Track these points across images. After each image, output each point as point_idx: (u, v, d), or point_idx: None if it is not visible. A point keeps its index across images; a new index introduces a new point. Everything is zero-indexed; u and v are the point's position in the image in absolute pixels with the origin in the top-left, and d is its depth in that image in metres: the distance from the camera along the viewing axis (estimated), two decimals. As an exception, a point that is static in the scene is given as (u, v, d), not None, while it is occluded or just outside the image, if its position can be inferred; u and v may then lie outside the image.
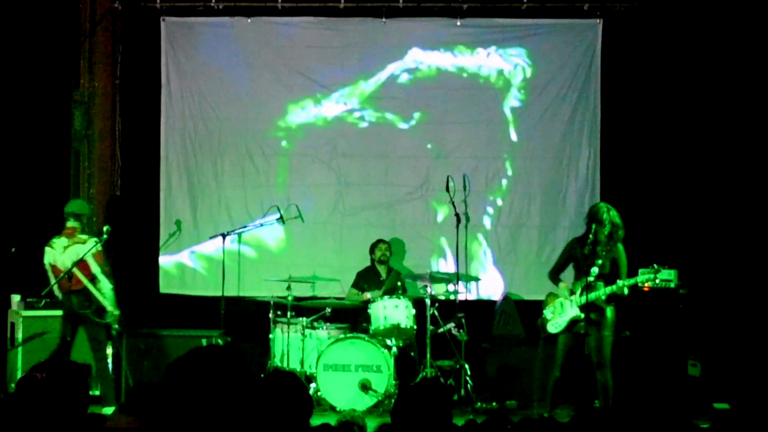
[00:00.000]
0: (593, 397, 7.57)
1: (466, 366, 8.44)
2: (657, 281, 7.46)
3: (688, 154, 9.46)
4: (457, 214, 8.70)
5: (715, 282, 9.11)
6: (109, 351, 8.93)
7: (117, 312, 8.10)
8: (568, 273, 7.91)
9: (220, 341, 8.77)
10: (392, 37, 9.86)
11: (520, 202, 9.85)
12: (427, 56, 9.87)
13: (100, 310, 8.08)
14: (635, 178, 9.57)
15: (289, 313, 8.63)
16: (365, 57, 9.92)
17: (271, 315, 8.71)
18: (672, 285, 8.72)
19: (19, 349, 8.46)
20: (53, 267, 8.07)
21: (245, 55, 9.99)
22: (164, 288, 9.96)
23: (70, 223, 8.14)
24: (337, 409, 8.11)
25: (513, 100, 9.85)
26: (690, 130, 9.45)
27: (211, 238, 9.62)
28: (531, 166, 9.85)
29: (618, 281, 7.44)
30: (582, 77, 9.74)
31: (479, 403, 8.42)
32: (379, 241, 9.38)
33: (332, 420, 5.17)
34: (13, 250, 8.33)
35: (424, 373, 8.41)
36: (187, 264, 9.98)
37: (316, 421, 3.43)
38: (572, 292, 7.64)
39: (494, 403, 8.62)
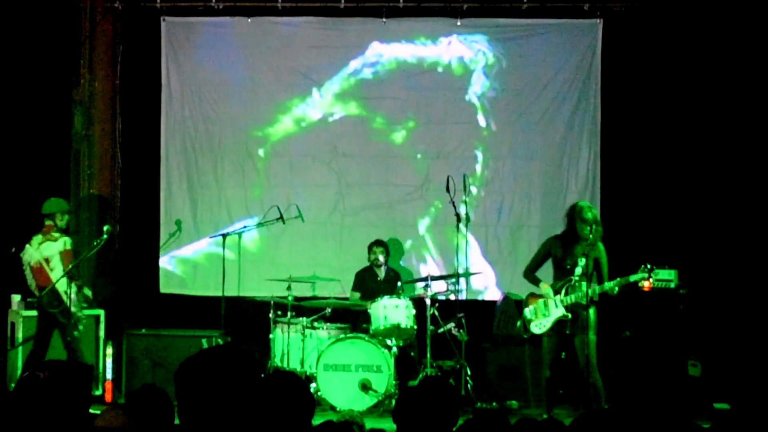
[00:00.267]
0: (588, 398, 7.53)
1: (466, 366, 8.43)
2: (652, 280, 7.45)
3: (688, 154, 9.46)
4: (457, 214, 8.69)
5: (715, 282, 9.10)
6: (110, 351, 8.95)
7: (79, 314, 8.10)
8: (542, 272, 7.88)
9: (220, 341, 8.78)
10: (392, 37, 9.86)
11: (520, 202, 9.84)
12: (426, 55, 9.87)
13: (67, 310, 8.10)
14: (635, 178, 9.57)
15: (289, 313, 8.63)
16: (365, 56, 9.91)
17: (271, 315, 8.71)
18: (672, 285, 8.74)
19: (19, 349, 8.46)
20: (29, 265, 8.22)
21: (245, 55, 9.99)
22: (164, 288, 9.96)
23: (47, 222, 8.28)
24: (337, 409, 8.11)
25: (513, 99, 9.84)
26: (690, 130, 9.45)
27: (211, 237, 9.62)
28: (531, 166, 9.85)
29: (618, 279, 7.39)
30: (582, 77, 9.73)
31: (479, 403, 8.42)
32: (375, 243, 9.33)
33: (332, 420, 5.17)
34: (14, 250, 8.35)
35: (424, 373, 8.40)
36: (187, 264, 9.98)
37: (316, 420, 3.44)
38: (557, 292, 7.60)
39: (494, 403, 8.62)
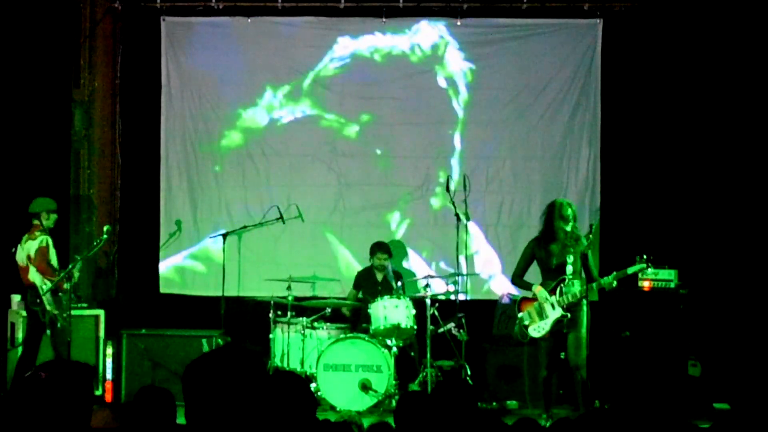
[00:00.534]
0: (576, 393, 7.51)
1: (467, 366, 8.43)
2: (650, 271, 7.38)
3: (688, 153, 9.46)
4: (457, 214, 8.69)
5: (715, 282, 9.11)
6: (110, 351, 8.95)
7: (54, 312, 8.11)
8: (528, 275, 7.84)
9: (220, 341, 8.78)
10: (391, 37, 9.86)
11: (520, 202, 9.84)
12: (427, 56, 9.87)
13: (44, 308, 8.18)
14: (635, 178, 9.58)
15: (289, 313, 8.64)
16: (365, 56, 9.92)
17: (271, 315, 8.71)
18: (672, 285, 8.74)
19: (19, 349, 8.46)
20: (18, 265, 8.36)
21: (245, 55, 9.99)
22: (164, 288, 9.96)
23: (33, 221, 8.39)
24: (337, 409, 8.11)
25: (513, 99, 9.85)
26: (690, 130, 9.46)
27: (211, 237, 9.62)
28: (531, 166, 9.85)
29: (614, 272, 7.34)
30: (582, 77, 9.74)
31: (479, 403, 8.41)
32: (379, 249, 9.27)
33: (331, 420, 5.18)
34: (14, 250, 8.36)
35: (423, 374, 8.40)
36: (187, 264, 9.98)
37: (316, 421, 3.46)
38: (551, 292, 7.51)
39: (494, 403, 8.63)
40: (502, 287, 9.57)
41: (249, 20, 9.90)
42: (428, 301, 8.50)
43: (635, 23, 9.61)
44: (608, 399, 7.64)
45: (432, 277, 8.79)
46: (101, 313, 9.12)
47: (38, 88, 9.46)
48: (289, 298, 8.68)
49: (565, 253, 7.46)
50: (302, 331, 8.58)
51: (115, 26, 9.96)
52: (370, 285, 9.25)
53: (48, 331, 8.17)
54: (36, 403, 2.82)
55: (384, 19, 9.82)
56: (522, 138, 9.85)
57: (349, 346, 8.46)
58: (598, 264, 7.91)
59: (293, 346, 8.58)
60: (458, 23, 9.78)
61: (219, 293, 9.04)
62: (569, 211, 7.54)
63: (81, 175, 9.83)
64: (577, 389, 7.44)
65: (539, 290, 7.58)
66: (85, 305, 9.02)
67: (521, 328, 7.65)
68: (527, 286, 7.73)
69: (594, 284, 7.41)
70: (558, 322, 7.46)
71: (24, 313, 8.62)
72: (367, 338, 8.47)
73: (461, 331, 8.50)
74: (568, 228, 7.49)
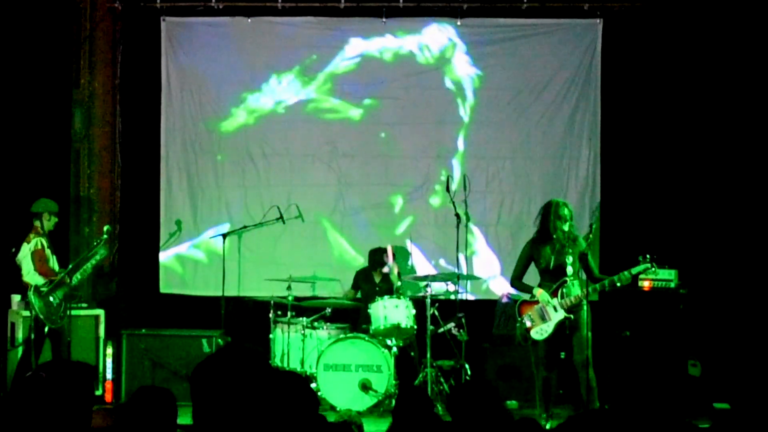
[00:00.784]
0: (581, 395, 7.49)
1: (467, 366, 8.43)
2: (653, 270, 7.32)
3: (688, 154, 9.46)
4: (457, 214, 8.69)
5: (715, 282, 9.11)
6: (110, 351, 8.95)
7: (41, 315, 8.12)
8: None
9: (220, 341, 8.79)
10: (391, 37, 9.86)
11: (520, 202, 9.84)
12: (427, 55, 9.87)
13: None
14: (635, 178, 9.58)
15: (289, 313, 8.64)
16: (365, 56, 9.92)
17: (271, 315, 8.72)
18: (672, 285, 8.74)
19: (19, 349, 8.46)
20: (20, 266, 8.43)
21: (245, 55, 9.99)
22: (164, 288, 9.96)
23: (34, 222, 8.46)
24: (337, 408, 8.11)
25: (513, 99, 9.85)
26: (690, 130, 9.46)
27: (211, 238, 9.62)
28: (531, 166, 9.85)
29: (622, 273, 7.26)
30: (582, 77, 9.74)
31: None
32: (385, 252, 9.30)
33: (331, 420, 5.18)
34: (14, 250, 8.37)
35: (423, 374, 8.41)
36: (187, 264, 9.98)
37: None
38: (553, 294, 7.42)
39: (494, 403, 8.61)
40: (502, 287, 9.57)
41: (249, 20, 9.90)
42: (428, 301, 8.50)
43: (635, 23, 9.61)
44: (608, 399, 7.63)
45: (432, 277, 8.79)
46: (101, 313, 9.12)
47: (38, 88, 9.46)
48: (289, 298, 8.68)
49: (564, 254, 7.39)
50: (302, 331, 8.59)
51: (115, 26, 9.96)
52: (370, 285, 9.25)
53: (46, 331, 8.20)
54: (36, 403, 2.83)
55: (384, 20, 9.82)
56: (522, 138, 9.85)
57: (349, 346, 8.47)
58: (598, 264, 7.89)
59: (293, 346, 8.58)
60: (458, 23, 9.79)
61: (219, 293, 9.04)
62: (565, 211, 7.46)
63: (81, 175, 9.83)
64: (582, 390, 7.38)
65: (540, 293, 7.48)
66: (85, 305, 9.03)
67: (523, 331, 7.54)
68: (527, 289, 7.63)
69: (598, 285, 7.32)
70: (561, 325, 7.39)
71: (24, 313, 8.63)
72: (367, 338, 8.47)
73: (461, 331, 8.50)
74: (566, 227, 7.43)
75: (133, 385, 8.85)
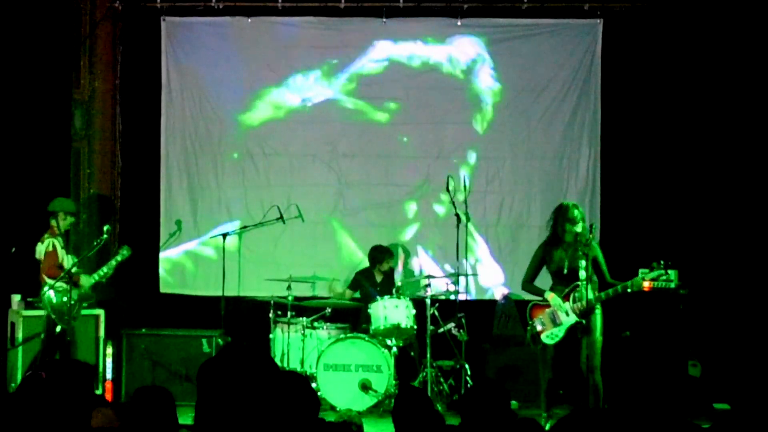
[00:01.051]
0: (588, 397, 7.47)
1: (467, 366, 8.44)
2: (666, 277, 7.24)
3: (688, 154, 9.46)
4: (457, 214, 8.70)
5: (715, 282, 9.11)
6: (110, 351, 8.96)
7: (52, 313, 8.15)
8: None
9: (220, 341, 8.79)
10: (391, 37, 9.86)
11: (520, 202, 9.84)
12: (424, 54, 9.87)
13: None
14: (635, 178, 9.58)
15: (289, 313, 8.65)
16: (365, 56, 9.93)
17: (271, 315, 8.72)
18: (672, 285, 8.71)
19: (19, 348, 8.47)
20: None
21: (245, 55, 9.99)
22: (164, 288, 9.96)
23: (51, 220, 8.45)
24: (337, 408, 8.11)
25: (513, 99, 9.85)
26: (690, 130, 9.46)
27: (211, 238, 9.62)
28: (531, 166, 9.85)
29: (636, 278, 7.12)
30: (582, 77, 9.74)
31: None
32: (388, 254, 9.28)
33: (330, 420, 5.18)
34: (14, 249, 8.37)
35: (423, 374, 8.41)
36: (187, 264, 9.98)
37: (317, 420, 3.47)
38: (565, 298, 7.34)
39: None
40: (501, 289, 9.61)
41: (249, 20, 9.90)
42: (428, 301, 8.50)
43: (635, 23, 9.61)
44: (608, 399, 7.62)
45: (432, 277, 8.79)
46: (101, 313, 9.12)
47: (38, 88, 9.45)
48: (289, 298, 8.69)
49: (577, 258, 7.28)
50: (302, 331, 8.59)
51: (115, 26, 9.96)
52: (370, 286, 9.25)
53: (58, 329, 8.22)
54: (36, 402, 2.83)
55: (384, 19, 9.82)
56: (522, 138, 9.85)
57: (349, 346, 8.47)
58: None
59: (293, 346, 8.59)
60: (458, 23, 9.78)
61: (219, 293, 9.04)
62: (575, 213, 7.36)
63: (81, 175, 9.83)
64: (590, 395, 7.30)
65: (552, 297, 7.39)
66: (85, 305, 9.02)
67: (533, 335, 7.46)
68: (539, 292, 7.53)
69: (611, 291, 7.20)
70: (572, 329, 7.30)
71: (25, 313, 8.64)
72: (367, 338, 8.48)
73: (461, 331, 8.50)
74: (577, 229, 7.34)
75: (133, 385, 8.85)
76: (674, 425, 4.07)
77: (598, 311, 7.36)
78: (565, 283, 7.39)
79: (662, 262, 7.17)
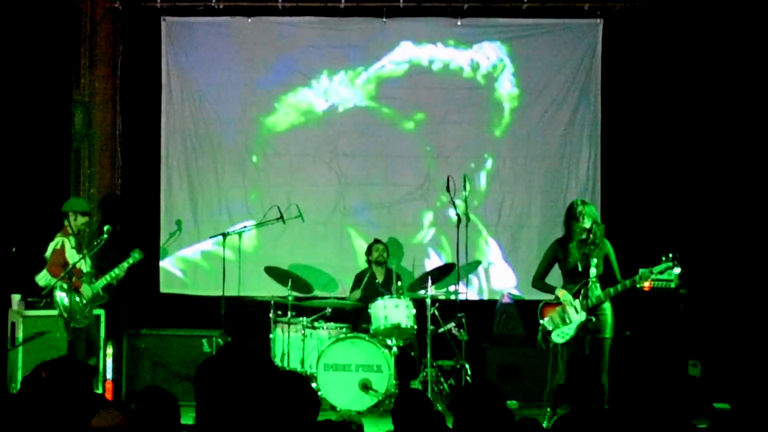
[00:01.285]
0: (593, 398, 7.47)
1: (467, 366, 8.44)
2: (672, 269, 7.20)
3: (688, 154, 9.47)
4: (457, 214, 8.70)
5: (715, 282, 9.11)
6: (110, 351, 8.95)
7: (63, 312, 8.17)
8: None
9: (220, 341, 8.79)
10: (391, 36, 9.86)
11: (521, 202, 9.85)
12: (424, 54, 9.87)
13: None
14: (635, 178, 9.58)
15: (289, 313, 8.65)
16: (365, 56, 9.93)
17: (271, 315, 8.72)
18: (672, 285, 8.71)
19: (19, 349, 8.47)
20: None
21: (245, 55, 9.98)
22: (164, 288, 9.96)
23: (64, 220, 8.45)
24: (338, 408, 8.12)
25: (512, 100, 9.85)
26: (690, 130, 9.46)
27: (211, 237, 9.62)
28: (531, 166, 9.85)
29: (644, 270, 7.10)
30: (582, 77, 9.74)
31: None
32: (375, 242, 9.37)
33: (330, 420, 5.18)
34: (14, 249, 8.37)
35: (423, 374, 8.41)
36: (187, 264, 9.98)
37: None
38: (575, 295, 7.31)
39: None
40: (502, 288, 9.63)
41: (249, 20, 9.90)
42: (428, 301, 8.50)
43: (635, 23, 9.61)
44: (608, 399, 7.62)
45: (432, 277, 8.78)
46: (101, 313, 9.11)
47: (38, 88, 9.46)
48: (289, 298, 8.69)
49: (589, 256, 7.25)
50: (302, 331, 8.59)
51: (116, 26, 9.95)
52: (371, 285, 9.25)
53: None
54: (36, 402, 2.83)
55: (384, 19, 9.82)
56: (522, 138, 9.85)
57: (349, 346, 8.47)
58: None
59: (293, 346, 8.59)
60: (458, 23, 9.79)
61: (219, 293, 9.03)
62: (581, 208, 7.35)
63: (81, 175, 9.82)
64: (595, 393, 7.29)
65: (562, 293, 7.37)
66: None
67: (544, 335, 7.41)
68: (550, 289, 7.51)
69: (620, 286, 7.18)
70: (582, 327, 7.25)
71: (25, 313, 8.64)
72: (367, 338, 8.48)
73: (461, 331, 8.50)
74: (586, 224, 7.29)
75: (133, 385, 8.85)
76: (674, 425, 4.07)
77: (609, 310, 7.34)
78: (576, 280, 7.35)
79: (671, 255, 7.13)
